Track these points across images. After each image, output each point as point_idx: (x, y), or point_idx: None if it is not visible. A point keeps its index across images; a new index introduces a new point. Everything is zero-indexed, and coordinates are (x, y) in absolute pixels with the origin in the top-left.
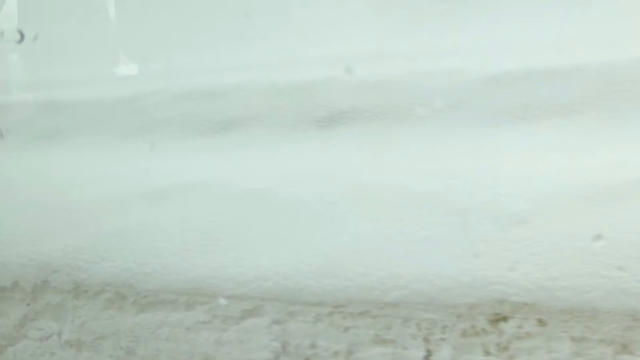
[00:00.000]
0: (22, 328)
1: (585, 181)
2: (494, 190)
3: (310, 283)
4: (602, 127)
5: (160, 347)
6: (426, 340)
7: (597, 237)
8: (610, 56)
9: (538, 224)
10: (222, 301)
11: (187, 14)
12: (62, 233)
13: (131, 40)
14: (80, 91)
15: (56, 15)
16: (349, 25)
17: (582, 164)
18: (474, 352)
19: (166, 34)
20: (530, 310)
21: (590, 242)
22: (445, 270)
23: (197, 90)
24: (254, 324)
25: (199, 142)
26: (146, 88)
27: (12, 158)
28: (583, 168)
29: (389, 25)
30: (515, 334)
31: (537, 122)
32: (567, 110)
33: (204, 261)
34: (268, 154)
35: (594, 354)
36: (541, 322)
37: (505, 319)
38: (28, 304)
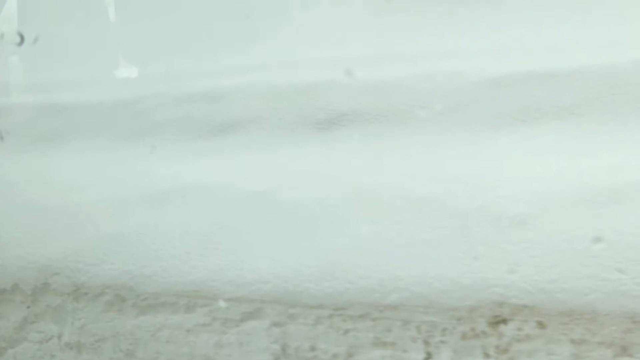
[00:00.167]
0: (22, 330)
1: (585, 184)
2: (494, 192)
3: (310, 286)
4: (602, 129)
5: (160, 350)
6: (426, 342)
7: (596, 239)
8: (610, 59)
9: (538, 226)
10: (222, 304)
11: (187, 17)
12: (62, 236)
13: (131, 43)
14: (80, 94)
15: (56, 17)
16: (349, 27)
17: (582, 167)
18: (474, 354)
19: (166, 37)
20: (530, 313)
21: (589, 245)
22: (445, 272)
23: (197, 93)
24: (253, 327)
25: (198, 144)
26: (146, 91)
27: (12, 160)
28: (583, 170)
29: (389, 27)
30: (515, 336)
31: (537, 125)
32: (567, 113)
33: (204, 264)
34: (268, 157)
35: (593, 356)
36: (541, 325)
37: (505, 321)
38: (28, 307)
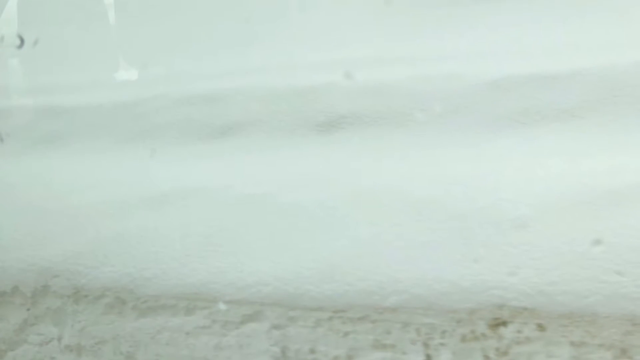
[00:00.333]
0: (22, 333)
1: (585, 186)
2: (494, 195)
3: (310, 288)
4: (603, 131)
5: (160, 352)
6: (425, 345)
7: (596, 241)
8: (610, 61)
9: (538, 228)
10: (222, 306)
11: (186, 19)
12: (62, 238)
13: (131, 46)
14: (80, 96)
15: (56, 20)
16: (348, 30)
17: (582, 169)
18: (474, 356)
19: (166, 39)
20: (529, 315)
21: (589, 247)
22: (444, 275)
23: (196, 96)
24: (253, 329)
25: (198, 147)
26: (146, 93)
27: (12, 163)
28: (583, 173)
29: (389, 30)
30: (515, 338)
31: (537, 127)
32: (567, 115)
33: (204, 266)
34: (268, 159)
35: (593, 358)
36: (541, 327)
37: (504, 323)
38: (28, 309)
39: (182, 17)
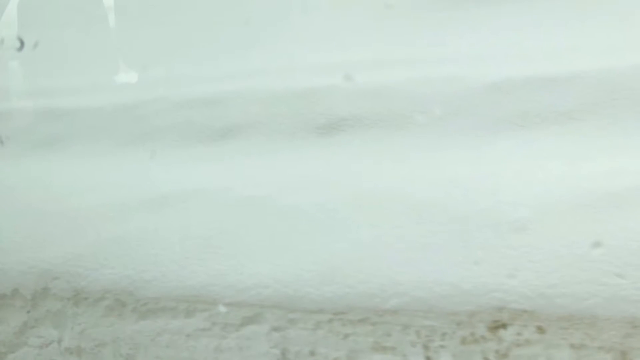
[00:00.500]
0: (22, 335)
1: (584, 188)
2: (494, 197)
3: (310, 290)
4: (601, 134)
5: (160, 354)
6: (425, 347)
7: (596, 244)
8: (609, 64)
9: (537, 231)
10: (222, 308)
11: (186, 22)
12: (62, 240)
13: (131, 48)
14: (80, 99)
15: (56, 22)
16: (349, 32)
17: (582, 172)
18: (474, 359)
19: (166, 42)
20: (529, 318)
21: (589, 250)
22: (445, 277)
23: (196, 98)
24: (253, 331)
25: (198, 149)
26: (146, 96)
27: (12, 165)
28: (582, 175)
29: (389, 32)
30: (515, 341)
31: (537, 130)
32: (566, 118)
33: (204, 268)
34: (268, 162)
35: None
36: (540, 330)
37: (504, 326)
38: (28, 311)
39: (182, 20)
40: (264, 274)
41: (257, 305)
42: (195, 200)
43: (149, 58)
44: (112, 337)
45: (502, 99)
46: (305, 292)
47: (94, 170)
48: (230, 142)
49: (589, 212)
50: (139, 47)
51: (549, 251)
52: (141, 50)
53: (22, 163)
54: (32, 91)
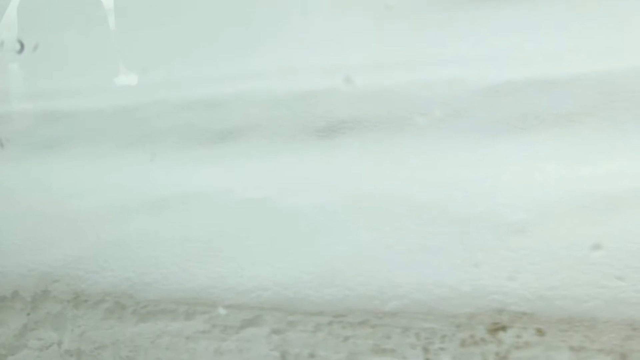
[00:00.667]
0: (22, 337)
1: (583, 191)
2: (493, 199)
3: (310, 292)
4: (601, 136)
5: (160, 357)
6: (425, 349)
7: (596, 246)
8: (609, 66)
9: (537, 233)
10: (222, 311)
11: (186, 24)
12: (62, 243)
13: (131, 51)
14: (80, 101)
15: (56, 25)
16: (349, 34)
17: (581, 174)
18: None
19: (166, 44)
20: (529, 320)
21: (589, 252)
22: (444, 279)
23: (197, 100)
24: (253, 334)
25: (199, 152)
26: (146, 98)
27: (12, 168)
28: (582, 178)
29: (389, 34)
30: (514, 343)
31: (536, 132)
32: (566, 120)
33: (204, 271)
34: (268, 164)
35: None
36: (540, 332)
37: (504, 328)
38: (28, 314)
39: (182, 22)
40: (263, 276)
41: (256, 308)
42: (195, 202)
43: (149, 60)
44: (112, 340)
45: (502, 101)
46: (305, 294)
47: (94, 173)
48: (230, 144)
49: (588, 214)
50: (138, 49)
51: (548, 253)
52: (141, 53)
53: (22, 165)
54: (32, 93)
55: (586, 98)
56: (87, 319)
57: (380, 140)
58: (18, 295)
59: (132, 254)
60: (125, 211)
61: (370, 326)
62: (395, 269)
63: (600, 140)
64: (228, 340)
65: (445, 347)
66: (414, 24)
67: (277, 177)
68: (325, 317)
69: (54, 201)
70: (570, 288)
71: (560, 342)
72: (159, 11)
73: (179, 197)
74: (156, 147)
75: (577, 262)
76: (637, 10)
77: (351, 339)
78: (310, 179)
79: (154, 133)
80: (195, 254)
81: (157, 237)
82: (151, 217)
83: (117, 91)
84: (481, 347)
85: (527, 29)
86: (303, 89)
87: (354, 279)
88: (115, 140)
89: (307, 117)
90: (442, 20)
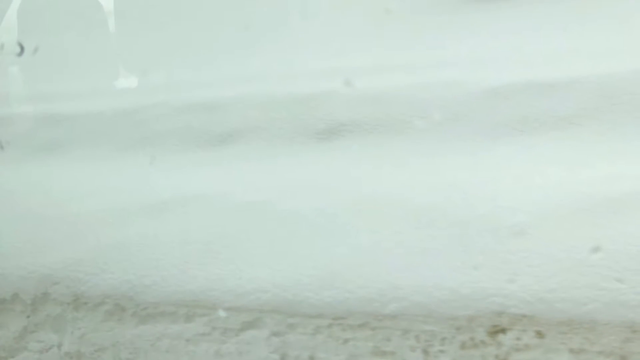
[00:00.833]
0: (22, 340)
1: (583, 193)
2: (493, 202)
3: (310, 295)
4: (601, 139)
5: (159, 359)
6: (425, 352)
7: (595, 249)
8: (609, 69)
9: (537, 236)
10: (222, 313)
11: (186, 27)
12: (62, 245)
13: (131, 53)
14: (80, 104)
15: (56, 28)
16: (348, 37)
17: (581, 177)
18: None
19: (166, 47)
20: (529, 322)
21: (588, 254)
22: (444, 282)
23: (196, 103)
24: (253, 336)
25: (198, 154)
26: (146, 101)
27: (12, 170)
28: (581, 180)
29: (388, 37)
30: (514, 345)
31: (536, 135)
32: (566, 123)
33: (204, 273)
34: (267, 167)
35: None
36: (540, 334)
37: (504, 330)
38: (28, 316)
39: (182, 25)
40: (263, 278)
41: (256, 310)
42: (194, 205)
43: (148, 63)
44: (112, 342)
45: (502, 104)
46: (305, 296)
47: (93, 175)
48: (230, 147)
49: (588, 217)
50: (138, 52)
51: (548, 256)
52: (141, 55)
53: (22, 168)
54: (32, 96)
55: (586, 101)
56: (87, 321)
57: (380, 143)
58: (18, 298)
59: (131, 257)
60: (125, 214)
61: (370, 329)
62: (395, 272)
63: (600, 143)
64: (228, 342)
65: (445, 350)
66: (413, 27)
67: (276, 180)
68: (325, 319)
69: (53, 204)
70: (569, 290)
71: (560, 345)
72: (158, 14)
73: (178, 200)
74: (156, 150)
75: (577, 264)
76: (637, 13)
77: (351, 341)
78: (309, 181)
79: (153, 136)
80: (194, 257)
81: (157, 239)
82: (151, 219)
83: (117, 94)
84: (481, 349)
85: (526, 31)
86: (303, 91)
87: (353, 281)
88: (115, 143)
89: (307, 119)
90: (441, 23)
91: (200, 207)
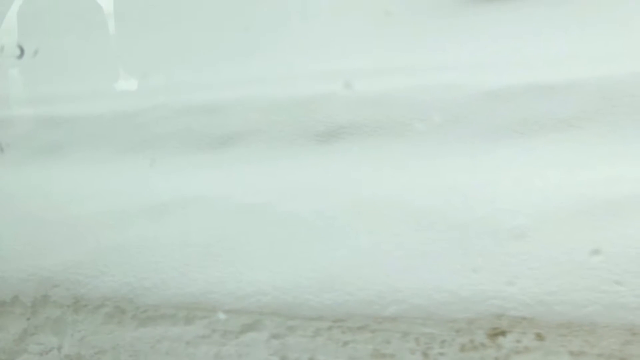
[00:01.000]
0: (22, 342)
1: (583, 196)
2: (493, 205)
3: (309, 297)
4: (601, 142)
5: None
6: (425, 354)
7: (595, 251)
8: (609, 71)
9: (536, 238)
10: (222, 315)
11: (186, 29)
12: (62, 248)
13: (131, 56)
14: (80, 106)
15: (56, 30)
16: (348, 40)
17: (580, 179)
18: None
19: (166, 49)
20: (528, 325)
21: (588, 257)
22: (444, 284)
23: (196, 106)
24: (253, 338)
25: (198, 157)
26: (146, 103)
27: (12, 173)
28: (581, 183)
29: (388, 40)
30: (514, 348)
31: (536, 137)
32: (566, 125)
33: (204, 276)
34: (267, 169)
35: None
36: (539, 337)
37: (503, 333)
38: (28, 318)
39: (181, 27)
40: (263, 281)
41: (256, 313)
42: (194, 207)
43: (148, 65)
44: (112, 344)
45: (502, 106)
46: (305, 299)
47: (93, 178)
48: (230, 149)
49: (587, 219)
50: (138, 54)
51: (547, 258)
52: (141, 58)
53: (22, 170)
54: (32, 99)
55: (586, 103)
56: (87, 323)
57: (380, 145)
58: (18, 300)
59: (131, 259)
60: (125, 216)
61: (370, 331)
62: (395, 274)
63: (600, 145)
64: (228, 345)
65: (445, 352)
66: (413, 30)
67: (276, 182)
68: (324, 321)
69: (53, 206)
70: (569, 293)
71: (559, 347)
72: (158, 16)
73: (178, 202)
74: (156, 153)
75: (577, 267)
76: (636, 16)
77: (351, 343)
78: (309, 184)
79: (153, 138)
80: (194, 259)
81: (157, 242)
82: (151, 222)
83: (117, 96)
84: (481, 352)
85: (527, 34)
86: (303, 94)
87: (353, 283)
88: (115, 146)
89: (307, 122)
90: (441, 25)
91: (200, 209)
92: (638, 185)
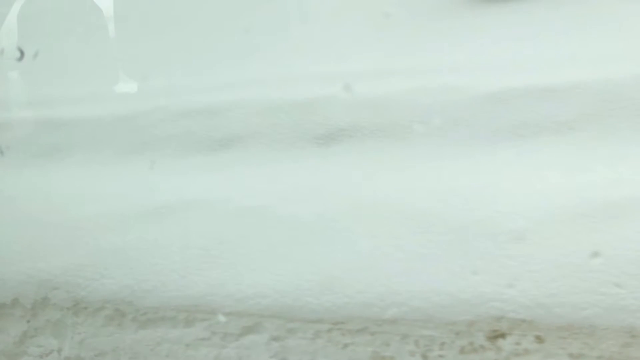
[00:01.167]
0: (22, 345)
1: (583, 198)
2: (492, 207)
3: (309, 300)
4: (601, 144)
5: None
6: (424, 357)
7: (595, 254)
8: (609, 73)
9: (536, 241)
10: (222, 318)
11: (186, 32)
12: (62, 250)
13: (131, 58)
14: (80, 109)
15: (56, 33)
16: (348, 42)
17: (580, 181)
18: None
19: (165, 52)
20: (528, 327)
21: (588, 259)
22: (443, 287)
23: (196, 108)
24: (253, 341)
25: (198, 159)
26: (146, 106)
27: (12, 175)
28: (581, 185)
29: (388, 42)
30: (514, 350)
31: (536, 140)
32: (566, 128)
33: (204, 278)
34: (267, 172)
35: None
36: (539, 339)
37: (503, 335)
38: (28, 321)
39: (181, 30)
40: (263, 283)
41: (256, 315)
42: (194, 210)
43: (148, 68)
44: (112, 347)
45: (501, 108)
46: (305, 301)
47: (93, 181)
48: (230, 152)
49: (587, 222)
50: (138, 57)
51: (547, 261)
52: (141, 60)
53: (22, 173)
54: (32, 101)
55: (586, 105)
56: (86, 326)
57: (379, 148)
58: (18, 303)
59: (131, 262)
60: (125, 219)
61: (370, 333)
62: (394, 277)
63: (599, 148)
64: (228, 347)
65: (445, 355)
66: (412, 32)
67: (276, 185)
68: (324, 324)
69: (53, 209)
70: (569, 295)
71: (559, 350)
72: (158, 19)
73: (178, 205)
74: (156, 155)
75: (576, 269)
76: (636, 19)
77: (350, 346)
78: (309, 186)
79: (153, 141)
80: (194, 262)
81: (157, 244)
82: (151, 224)
83: (117, 99)
84: (480, 354)
85: (526, 36)
86: (302, 96)
87: (353, 286)
88: (115, 148)
89: (306, 124)
90: (440, 27)
91: (200, 212)
92: (638, 188)
